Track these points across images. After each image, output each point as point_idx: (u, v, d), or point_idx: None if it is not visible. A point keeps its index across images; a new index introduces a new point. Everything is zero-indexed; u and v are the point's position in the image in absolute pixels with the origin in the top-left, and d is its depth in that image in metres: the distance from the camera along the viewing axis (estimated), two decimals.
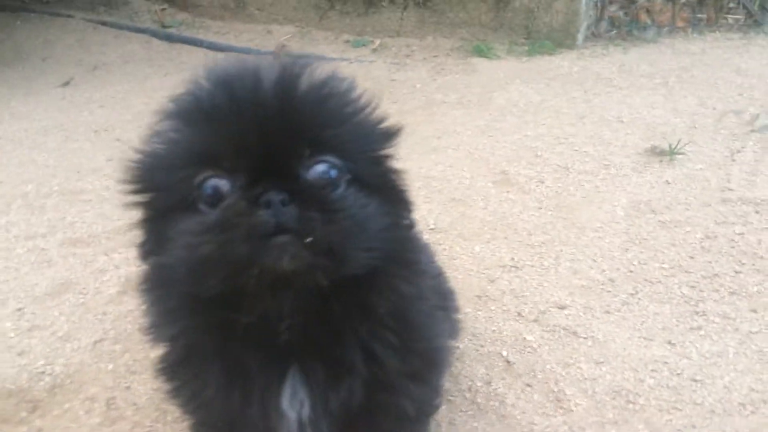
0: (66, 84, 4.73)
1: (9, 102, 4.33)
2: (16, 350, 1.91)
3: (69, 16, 5.75)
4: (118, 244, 2.47)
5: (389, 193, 1.06)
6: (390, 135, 1.06)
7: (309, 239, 0.89)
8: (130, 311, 2.07)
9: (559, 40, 4.62)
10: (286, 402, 1.10)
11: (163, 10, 5.86)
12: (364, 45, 5.12)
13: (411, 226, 1.14)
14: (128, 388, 1.74)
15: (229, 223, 0.90)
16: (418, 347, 1.15)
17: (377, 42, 5.08)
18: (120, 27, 5.60)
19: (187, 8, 5.69)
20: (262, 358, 1.07)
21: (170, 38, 5.42)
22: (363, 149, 1.02)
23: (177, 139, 0.97)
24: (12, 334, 1.98)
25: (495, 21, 4.76)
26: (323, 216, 0.91)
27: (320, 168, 0.96)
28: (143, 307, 1.15)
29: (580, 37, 4.64)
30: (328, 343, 1.07)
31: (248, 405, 1.12)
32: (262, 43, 5.37)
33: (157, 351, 1.18)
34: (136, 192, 1.05)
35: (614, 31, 4.86)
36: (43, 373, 1.81)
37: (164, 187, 1.00)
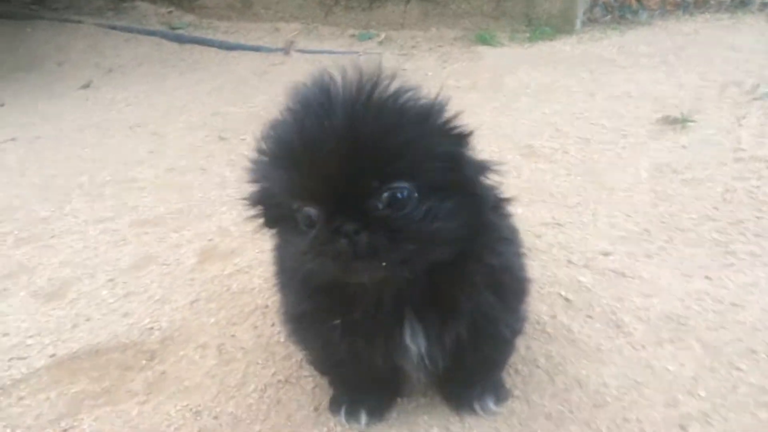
0: (86, 86, 4.90)
1: (36, 105, 4.50)
2: (120, 312, 2.10)
3: (79, 21, 5.91)
4: (183, 223, 2.66)
5: (468, 186, 1.17)
6: (462, 138, 1.18)
7: (382, 263, 1.09)
8: (215, 276, 2.26)
9: (558, 26, 4.86)
10: (408, 338, 1.32)
11: (170, 12, 6.02)
12: (369, 38, 5.34)
13: (496, 204, 1.29)
14: (233, 336, 1.94)
15: (318, 250, 1.11)
16: (509, 284, 1.37)
17: (383, 35, 5.30)
18: (130, 30, 5.76)
19: (194, 10, 5.86)
20: (382, 309, 1.29)
21: (180, 39, 5.59)
22: (433, 163, 1.11)
23: (272, 176, 1.16)
24: (111, 300, 2.17)
25: (496, 10, 5.00)
26: (389, 240, 1.08)
27: (388, 195, 1.09)
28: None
29: (578, 22, 4.89)
30: (435, 295, 1.28)
31: (373, 343, 1.34)
32: (270, 40, 5.56)
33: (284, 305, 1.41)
34: (254, 208, 1.26)
35: (609, 16, 5.11)
36: (151, 329, 2.00)
37: (275, 206, 1.20)
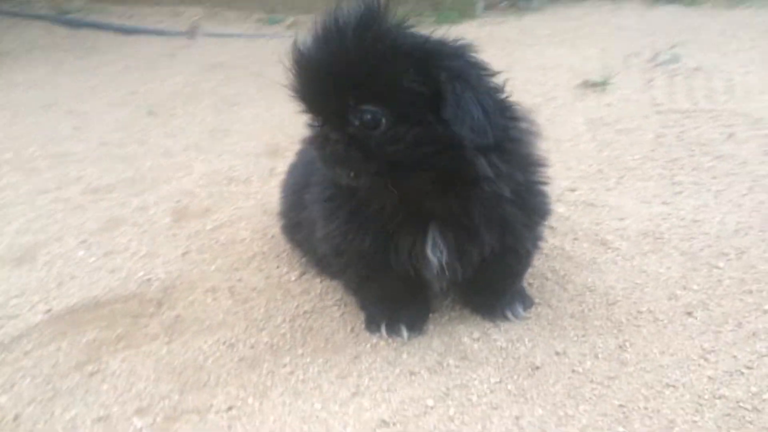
0: None
1: None
2: (106, 269, 2.02)
3: None
4: (140, 189, 2.59)
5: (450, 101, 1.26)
6: (433, 60, 1.28)
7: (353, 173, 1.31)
8: (198, 231, 2.23)
9: (462, 10, 5.12)
10: (429, 250, 1.44)
11: None
12: (278, 22, 5.34)
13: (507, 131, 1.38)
14: (240, 280, 1.93)
15: (316, 148, 1.35)
16: (533, 200, 1.50)
17: (291, 19, 5.31)
18: (14, 15, 5.38)
19: None
20: (407, 222, 1.42)
21: (73, 23, 5.32)
22: (403, 94, 1.25)
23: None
24: (91, 259, 2.09)
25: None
26: (360, 154, 1.28)
27: (360, 115, 1.26)
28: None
29: (479, 8, 5.17)
30: (461, 209, 1.39)
31: (398, 253, 1.44)
32: (172, 24, 5.43)
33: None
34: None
35: (505, 2, 5.44)
36: (149, 280, 1.95)
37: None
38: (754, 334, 1.58)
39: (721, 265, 1.86)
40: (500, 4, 5.43)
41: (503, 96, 1.35)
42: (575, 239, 2.05)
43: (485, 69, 1.33)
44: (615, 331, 1.62)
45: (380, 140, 1.26)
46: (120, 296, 1.88)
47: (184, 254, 2.09)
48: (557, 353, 1.56)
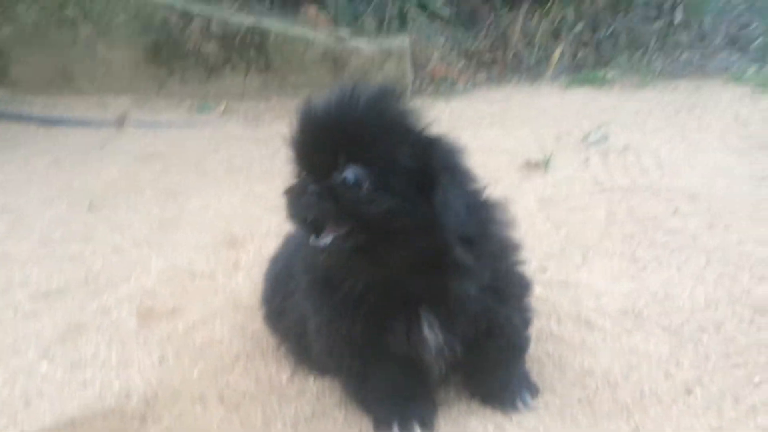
0: None
1: None
2: (76, 383, 1.89)
3: None
4: (95, 290, 2.45)
5: (425, 182, 1.40)
6: (432, 144, 1.46)
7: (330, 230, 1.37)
8: (170, 334, 2.12)
9: None
10: (425, 330, 1.49)
11: None
12: (209, 110, 5.30)
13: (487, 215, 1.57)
14: (228, 385, 1.84)
15: (292, 197, 1.39)
16: (509, 287, 1.61)
17: (222, 106, 5.30)
18: None
19: (5, 85, 5.37)
20: (397, 305, 1.48)
21: None
22: (393, 154, 1.37)
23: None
24: (58, 372, 1.94)
25: (334, 81, 5.28)
26: (336, 210, 1.35)
27: (345, 173, 1.34)
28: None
29: (408, 92, 5.34)
30: (444, 295, 1.47)
31: (395, 336, 1.49)
32: (99, 113, 5.27)
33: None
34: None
35: (431, 88, 5.65)
36: (127, 392, 1.84)
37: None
38: (753, 408, 1.64)
39: (704, 339, 1.93)
40: (427, 89, 5.62)
41: (484, 197, 1.53)
42: (559, 320, 2.09)
43: (472, 172, 1.53)
44: (624, 415, 1.64)
45: (358, 199, 1.33)
46: (98, 413, 1.74)
47: (160, 360, 1.97)
48: None
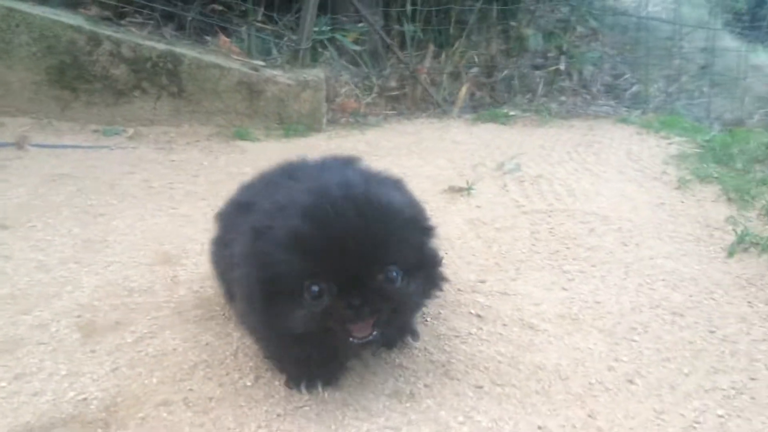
0: None
1: None
2: (26, 393, 1.81)
3: None
4: (26, 306, 2.33)
5: (429, 269, 1.70)
6: (429, 232, 1.71)
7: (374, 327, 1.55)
8: (119, 345, 2.06)
9: (308, 124, 5.35)
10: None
11: None
12: (116, 134, 5.15)
13: (440, 287, 1.81)
14: (191, 390, 1.82)
15: (328, 315, 1.51)
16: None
17: (131, 130, 5.17)
18: None
19: None
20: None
21: None
22: (413, 250, 1.60)
23: (292, 259, 1.48)
24: (2, 383, 1.84)
25: (249, 109, 5.30)
26: (388, 304, 1.54)
27: (387, 275, 1.53)
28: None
29: (324, 122, 5.45)
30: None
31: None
32: None
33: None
34: (263, 282, 1.55)
35: (344, 119, 5.78)
36: (84, 399, 1.77)
37: (282, 283, 1.52)
38: (688, 394, 1.82)
39: (636, 338, 2.12)
40: (341, 119, 5.75)
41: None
42: (504, 325, 2.21)
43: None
44: (579, 402, 1.77)
45: (397, 292, 1.56)
46: (56, 420, 1.67)
47: (113, 370, 1.91)
48: (540, 427, 1.66)
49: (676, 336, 2.14)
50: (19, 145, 4.82)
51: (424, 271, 1.65)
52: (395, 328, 1.87)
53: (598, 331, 2.17)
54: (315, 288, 1.48)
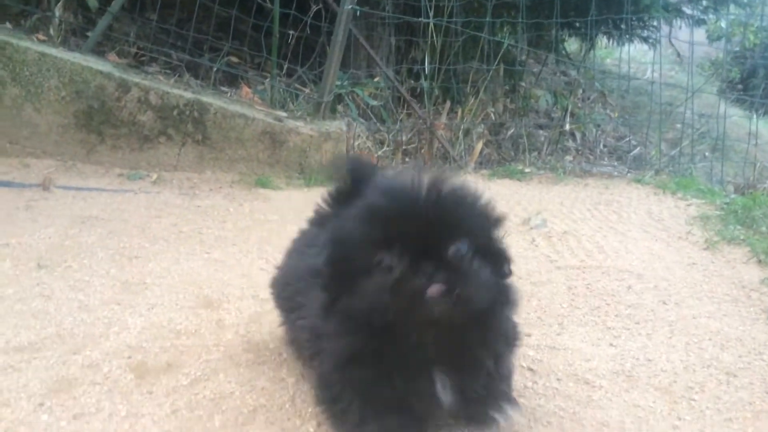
0: None
1: None
2: None
3: None
4: (74, 346, 2.31)
5: (497, 258, 1.65)
6: (496, 220, 1.69)
7: (455, 292, 1.45)
8: (174, 387, 2.04)
9: (329, 173, 5.39)
10: (439, 391, 1.64)
11: None
12: (140, 178, 5.19)
13: (509, 275, 1.74)
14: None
15: (399, 286, 1.46)
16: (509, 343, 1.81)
17: (155, 175, 5.21)
18: None
19: None
20: (415, 364, 1.62)
21: None
22: (482, 233, 1.60)
23: (366, 229, 1.52)
24: (62, 423, 1.82)
25: (272, 158, 5.36)
26: (459, 279, 1.47)
27: (457, 250, 1.50)
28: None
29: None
30: (461, 353, 1.65)
31: (409, 392, 1.63)
32: (20, 176, 5.01)
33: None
34: (333, 260, 1.61)
35: None
36: None
37: (353, 258, 1.54)
38: None
39: (695, 398, 2.10)
40: None
41: None
42: (559, 379, 2.20)
43: None
44: None
45: (470, 268, 1.52)
46: None
47: (173, 412, 1.89)
48: None
49: (733, 396, 2.13)
50: (45, 186, 4.84)
51: (494, 259, 1.61)
52: (484, 399, 1.78)
53: (654, 389, 2.16)
54: (387, 260, 1.48)
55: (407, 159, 6.52)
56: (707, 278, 3.25)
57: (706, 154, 7.81)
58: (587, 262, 3.47)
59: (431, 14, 6.34)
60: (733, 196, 5.15)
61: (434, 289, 1.43)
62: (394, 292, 1.46)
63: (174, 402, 1.94)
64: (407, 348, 1.59)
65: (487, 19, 6.49)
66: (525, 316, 2.73)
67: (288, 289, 2.05)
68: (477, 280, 1.51)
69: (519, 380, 2.17)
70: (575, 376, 2.21)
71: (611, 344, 2.50)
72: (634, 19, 7.15)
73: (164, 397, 1.97)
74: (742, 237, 3.82)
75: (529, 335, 2.54)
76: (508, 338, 1.80)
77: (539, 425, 1.90)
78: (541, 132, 7.97)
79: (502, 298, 1.69)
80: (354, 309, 1.56)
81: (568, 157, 7.38)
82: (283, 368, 2.19)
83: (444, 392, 1.64)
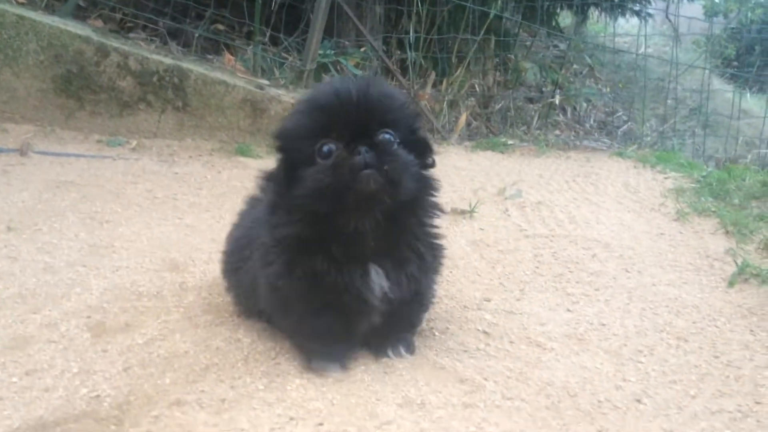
0: None
1: None
2: (37, 389, 1.80)
3: None
4: (35, 305, 2.33)
5: (421, 148, 1.87)
6: (417, 117, 1.92)
7: (384, 168, 1.69)
8: (130, 346, 2.07)
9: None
10: (374, 278, 1.87)
11: None
12: (119, 145, 5.17)
13: (433, 165, 1.94)
14: (204, 391, 1.82)
15: (338, 165, 1.70)
16: (430, 258, 1.99)
17: (134, 142, 5.19)
18: None
19: None
20: (351, 256, 1.85)
21: None
22: (405, 125, 1.83)
23: (306, 121, 1.78)
24: (14, 379, 1.84)
25: (252, 126, 5.35)
26: (388, 158, 1.71)
27: (384, 136, 1.76)
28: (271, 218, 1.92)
29: None
30: (390, 247, 1.89)
31: (347, 283, 1.85)
32: None
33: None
34: (280, 150, 1.86)
35: None
36: (97, 396, 1.77)
37: (297, 149, 1.78)
38: (695, 414, 1.84)
39: (642, 360, 2.14)
40: None
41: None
42: (511, 342, 2.24)
43: None
44: (588, 418, 1.79)
45: (395, 151, 1.76)
46: (69, 416, 1.67)
47: (125, 369, 1.91)
48: None
49: (681, 359, 2.17)
50: (23, 151, 4.82)
51: (418, 150, 1.84)
52: (395, 329, 2.06)
53: (604, 352, 2.19)
54: (326, 147, 1.71)
55: None
56: (673, 248, 3.29)
57: (696, 130, 7.81)
58: (557, 231, 3.50)
59: None
60: (710, 169, 5.16)
61: (369, 164, 1.69)
62: (334, 169, 1.69)
63: (127, 360, 1.97)
64: (347, 238, 1.81)
65: None
66: (487, 283, 2.77)
67: (233, 257, 2.27)
68: (403, 160, 1.75)
69: (472, 342, 2.21)
70: (528, 339, 2.25)
71: (568, 309, 2.53)
72: None
73: (118, 355, 2.00)
74: (713, 209, 3.84)
75: (488, 300, 2.58)
76: (433, 236, 2.01)
77: (486, 383, 1.93)
78: (531, 106, 7.94)
79: (426, 186, 1.91)
80: (298, 196, 1.76)
81: (557, 132, 7.37)
82: (240, 329, 2.21)
83: (378, 281, 1.87)
